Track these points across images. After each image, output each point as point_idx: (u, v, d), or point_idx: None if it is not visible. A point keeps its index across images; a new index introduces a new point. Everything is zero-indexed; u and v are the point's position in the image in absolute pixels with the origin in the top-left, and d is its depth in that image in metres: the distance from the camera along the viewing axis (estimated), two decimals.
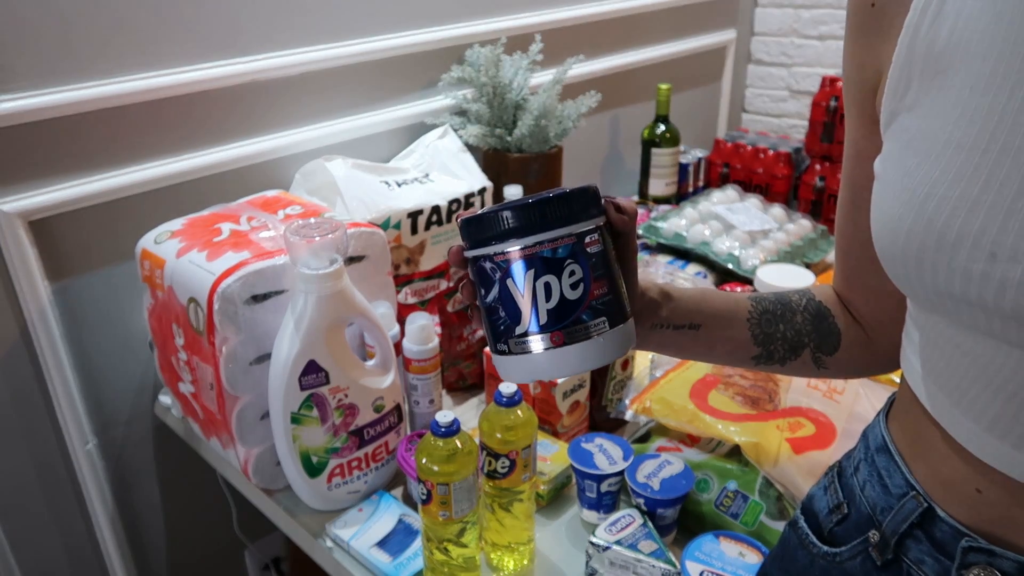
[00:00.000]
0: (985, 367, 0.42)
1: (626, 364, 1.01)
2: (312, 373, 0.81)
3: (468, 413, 1.09)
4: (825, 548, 0.56)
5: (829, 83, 1.59)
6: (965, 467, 0.46)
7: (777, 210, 1.56)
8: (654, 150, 1.71)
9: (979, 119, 0.38)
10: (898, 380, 1.10)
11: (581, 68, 1.59)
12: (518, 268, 0.50)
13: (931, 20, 0.41)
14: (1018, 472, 0.43)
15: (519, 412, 0.77)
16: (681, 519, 0.85)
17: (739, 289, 1.34)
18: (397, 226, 1.16)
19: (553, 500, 0.91)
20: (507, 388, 0.77)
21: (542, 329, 0.50)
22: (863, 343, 0.63)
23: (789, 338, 0.63)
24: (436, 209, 1.20)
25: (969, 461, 0.45)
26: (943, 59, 0.40)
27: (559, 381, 0.94)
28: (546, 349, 0.50)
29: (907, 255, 0.42)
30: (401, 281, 1.10)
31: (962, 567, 0.46)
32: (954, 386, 0.45)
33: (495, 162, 1.36)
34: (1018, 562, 0.44)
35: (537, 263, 0.49)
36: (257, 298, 0.84)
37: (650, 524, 0.82)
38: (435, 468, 0.72)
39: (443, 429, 0.73)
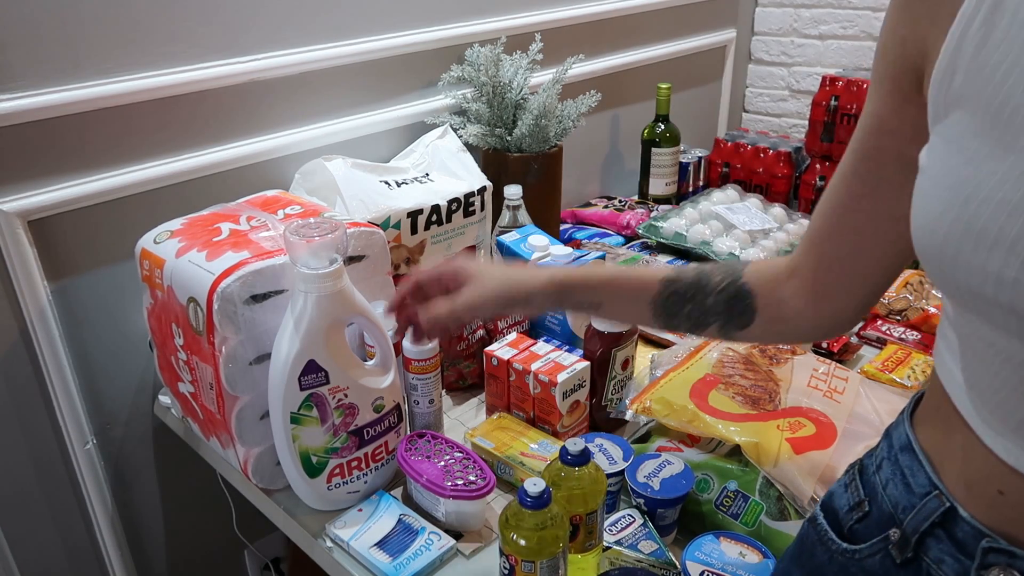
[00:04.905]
0: (1017, 368, 0.42)
1: (626, 364, 1.01)
2: (312, 373, 0.81)
3: (468, 413, 1.09)
4: (844, 545, 0.56)
5: (829, 82, 1.59)
6: (988, 468, 0.46)
7: (777, 210, 1.56)
8: (654, 150, 1.71)
9: None
10: (899, 380, 1.10)
11: (581, 68, 1.59)
12: None
13: (986, 14, 0.40)
14: None
15: (588, 470, 0.73)
16: (681, 519, 0.85)
17: None
18: (397, 226, 1.16)
19: None
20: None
21: None
22: (785, 319, 0.65)
23: (694, 317, 0.68)
24: (436, 209, 1.20)
25: (993, 463, 0.45)
26: (994, 56, 0.40)
27: (559, 380, 0.94)
28: None
29: (944, 253, 0.42)
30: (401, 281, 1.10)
31: (982, 567, 0.46)
32: (986, 386, 0.45)
33: (495, 162, 1.36)
34: None
35: None
36: (257, 298, 0.84)
37: (650, 524, 0.82)
38: (522, 543, 0.68)
39: (531, 500, 0.68)
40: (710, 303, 0.67)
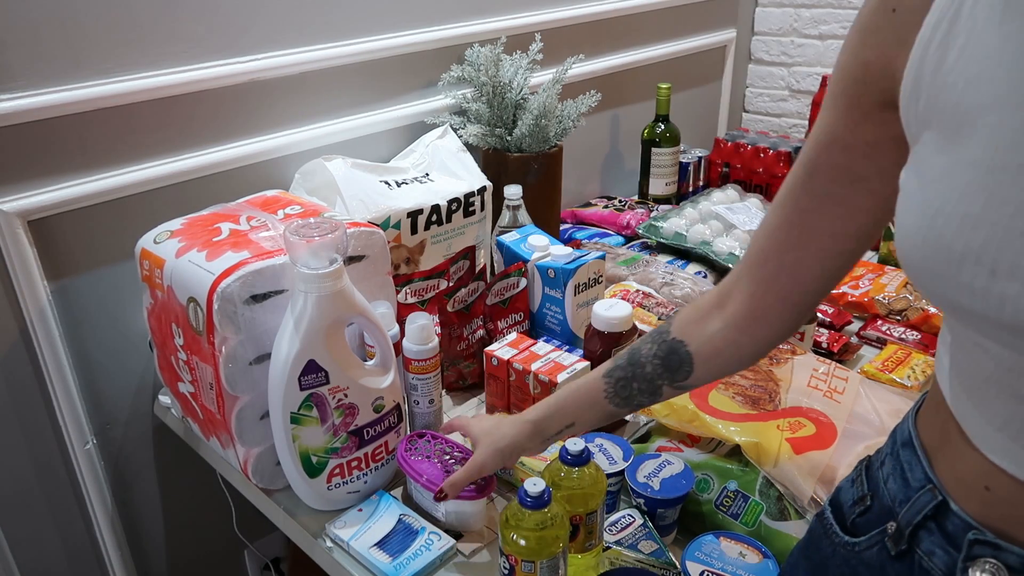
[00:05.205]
0: (1008, 371, 0.43)
1: None
2: (312, 373, 0.81)
3: (468, 413, 1.09)
4: (846, 538, 0.57)
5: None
6: (976, 465, 0.47)
7: None
8: (654, 150, 1.71)
9: (984, 138, 0.39)
10: (899, 380, 1.10)
11: (581, 68, 1.59)
12: None
13: (942, 37, 0.41)
14: None
15: (588, 470, 0.74)
16: (681, 519, 0.85)
17: None
18: (397, 226, 1.16)
19: None
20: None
21: None
22: (719, 352, 0.66)
23: (645, 391, 0.70)
24: (436, 209, 1.20)
25: (980, 460, 0.47)
26: (950, 77, 0.41)
27: (559, 380, 0.94)
28: None
29: (923, 267, 0.43)
30: (401, 281, 1.10)
31: (968, 559, 0.47)
32: (975, 385, 0.46)
33: (495, 162, 1.36)
34: (1023, 556, 0.45)
35: None
36: (256, 298, 0.84)
37: (650, 524, 0.82)
38: (522, 543, 0.68)
39: (531, 500, 0.68)
40: (649, 371, 0.68)
